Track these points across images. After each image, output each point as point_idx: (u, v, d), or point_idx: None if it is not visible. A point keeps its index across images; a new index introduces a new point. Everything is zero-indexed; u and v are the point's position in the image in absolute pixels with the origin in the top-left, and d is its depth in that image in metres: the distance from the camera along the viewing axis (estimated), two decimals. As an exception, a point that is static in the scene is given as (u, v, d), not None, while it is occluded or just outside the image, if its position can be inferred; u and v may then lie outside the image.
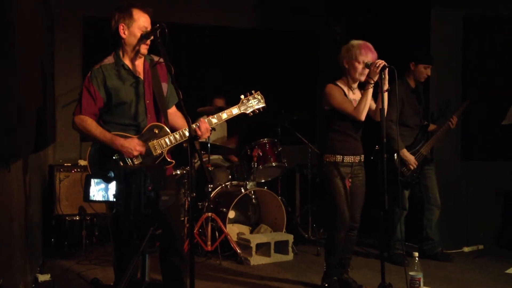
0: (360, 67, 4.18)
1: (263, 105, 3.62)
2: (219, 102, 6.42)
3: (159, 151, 3.40)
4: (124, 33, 3.37)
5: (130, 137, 3.36)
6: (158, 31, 3.22)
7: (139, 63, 3.48)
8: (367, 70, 4.12)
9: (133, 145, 3.31)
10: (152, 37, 3.33)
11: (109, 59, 3.44)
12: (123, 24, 3.36)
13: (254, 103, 3.58)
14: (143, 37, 3.36)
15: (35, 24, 4.25)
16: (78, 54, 6.51)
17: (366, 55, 4.15)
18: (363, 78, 4.21)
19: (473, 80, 5.97)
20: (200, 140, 3.23)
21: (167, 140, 3.40)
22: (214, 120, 3.49)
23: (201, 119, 3.44)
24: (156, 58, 3.50)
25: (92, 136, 3.37)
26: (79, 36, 6.54)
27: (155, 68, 3.49)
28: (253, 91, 3.61)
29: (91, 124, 3.36)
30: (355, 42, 4.25)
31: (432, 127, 5.56)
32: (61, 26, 6.32)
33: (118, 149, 3.30)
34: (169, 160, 3.45)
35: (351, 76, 4.27)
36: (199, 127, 3.38)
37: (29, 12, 3.93)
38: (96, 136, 3.35)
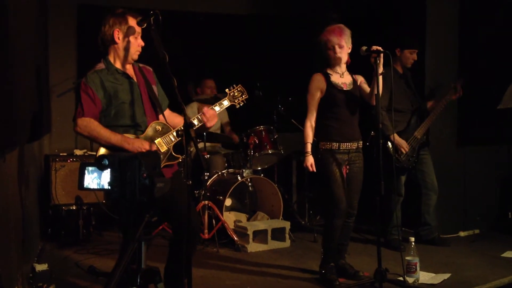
0: (338, 49, 4.28)
1: (247, 96, 3.82)
2: (209, 82, 6.39)
3: (165, 148, 3.44)
4: (118, 38, 3.41)
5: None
6: (152, 18, 3.22)
7: (129, 67, 3.54)
8: (346, 49, 4.28)
9: (142, 142, 3.34)
10: (145, 25, 3.33)
11: (100, 66, 3.46)
12: (118, 29, 3.40)
13: (238, 95, 3.77)
14: (137, 24, 3.38)
15: (29, 12, 4.22)
16: (72, 43, 6.42)
17: (341, 36, 4.26)
18: (345, 57, 4.32)
19: (469, 63, 5.91)
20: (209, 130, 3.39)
21: (171, 136, 3.45)
22: (217, 108, 3.64)
23: (205, 107, 3.55)
24: (140, 65, 3.60)
25: (101, 138, 3.31)
26: (74, 24, 6.45)
27: (143, 72, 3.55)
28: (234, 85, 3.80)
29: (98, 126, 3.32)
30: (326, 30, 4.36)
31: (430, 103, 5.55)
32: (55, 14, 6.24)
33: (128, 149, 3.28)
34: (175, 155, 3.50)
35: (339, 62, 4.34)
36: (204, 114, 3.48)
37: (23, 0, 3.90)
38: (105, 138, 3.30)
